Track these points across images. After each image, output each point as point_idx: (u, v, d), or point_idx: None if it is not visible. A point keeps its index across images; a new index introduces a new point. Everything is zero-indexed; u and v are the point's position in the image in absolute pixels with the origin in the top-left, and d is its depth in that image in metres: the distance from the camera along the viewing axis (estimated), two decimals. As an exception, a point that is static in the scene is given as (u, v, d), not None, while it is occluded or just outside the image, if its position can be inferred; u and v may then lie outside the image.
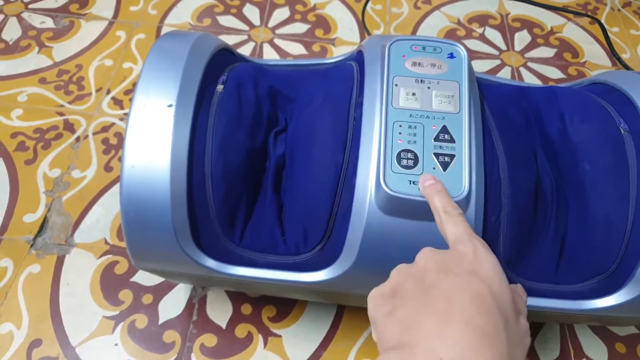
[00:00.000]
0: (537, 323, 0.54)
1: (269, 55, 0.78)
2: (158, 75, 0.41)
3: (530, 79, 0.78)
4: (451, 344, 0.24)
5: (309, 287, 0.42)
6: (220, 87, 0.44)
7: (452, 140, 0.39)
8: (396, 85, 0.41)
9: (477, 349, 0.24)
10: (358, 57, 0.48)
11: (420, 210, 0.37)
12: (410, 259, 0.39)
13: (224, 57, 0.49)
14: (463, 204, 0.37)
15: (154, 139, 0.39)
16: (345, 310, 0.54)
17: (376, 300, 0.30)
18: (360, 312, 0.54)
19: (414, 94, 0.41)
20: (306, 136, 0.44)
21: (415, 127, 0.40)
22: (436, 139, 0.39)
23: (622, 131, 0.42)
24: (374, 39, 0.47)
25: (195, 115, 0.40)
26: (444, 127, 0.40)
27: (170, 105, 0.39)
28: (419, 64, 0.42)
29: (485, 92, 0.46)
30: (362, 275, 0.40)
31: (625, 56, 0.83)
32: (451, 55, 0.43)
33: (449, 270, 0.28)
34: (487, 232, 0.40)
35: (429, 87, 0.41)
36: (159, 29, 0.80)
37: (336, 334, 0.52)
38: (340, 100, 0.44)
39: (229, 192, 0.41)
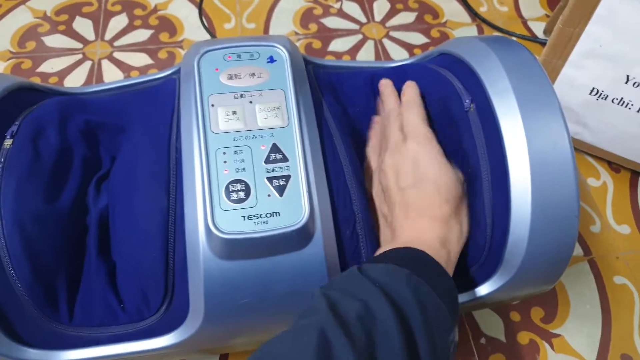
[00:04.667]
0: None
1: (110, 73, 0.68)
2: None
3: (394, 50, 0.75)
4: None
5: (164, 352, 0.37)
6: (7, 143, 0.36)
7: (284, 159, 0.34)
8: (212, 105, 0.36)
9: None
10: (184, 70, 0.42)
11: (263, 247, 0.33)
12: (268, 298, 0.35)
13: (18, 101, 0.40)
14: (307, 228, 0.33)
15: None
16: (230, 357, 0.49)
17: None
18: (244, 357, 0.49)
19: (234, 113, 0.35)
20: (126, 180, 0.37)
21: (242, 151, 0.34)
22: (267, 160, 0.34)
23: (471, 109, 0.40)
24: (193, 48, 0.41)
25: (-30, 188, 0.32)
26: (274, 145, 0.35)
27: None
28: (236, 76, 0.37)
29: (330, 91, 0.42)
30: (218, 329, 0.35)
31: (483, 9, 0.82)
32: (271, 59, 0.37)
33: None
34: (345, 249, 0.36)
35: (251, 102, 0.36)
36: (-30, 62, 0.68)
37: (223, 381, 0.47)
38: (160, 130, 0.38)
39: (38, 269, 0.34)
